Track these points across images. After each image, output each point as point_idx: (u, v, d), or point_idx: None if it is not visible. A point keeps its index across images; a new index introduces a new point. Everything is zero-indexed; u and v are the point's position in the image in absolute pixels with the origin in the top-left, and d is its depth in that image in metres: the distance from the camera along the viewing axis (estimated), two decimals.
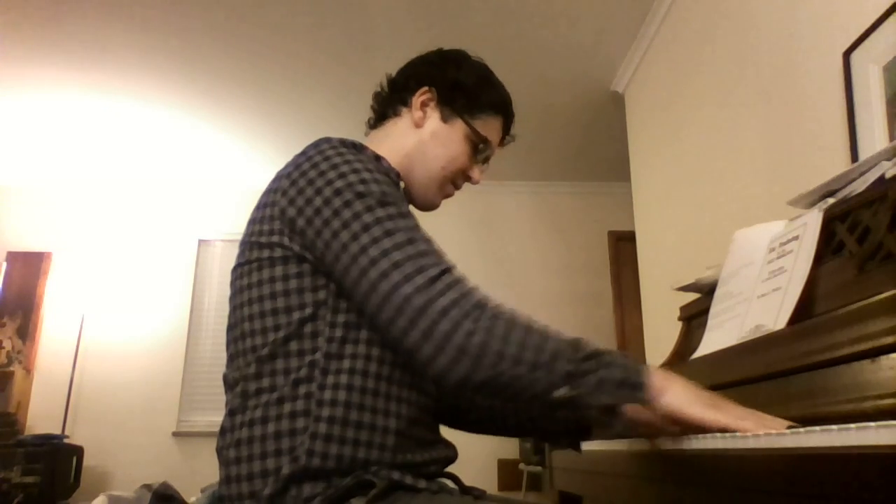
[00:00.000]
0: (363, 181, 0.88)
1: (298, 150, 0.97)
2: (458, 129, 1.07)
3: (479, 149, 1.09)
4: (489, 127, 1.10)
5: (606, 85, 3.74)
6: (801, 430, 0.61)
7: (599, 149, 4.45)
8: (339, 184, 0.87)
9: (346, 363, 0.87)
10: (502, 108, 1.12)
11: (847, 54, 1.69)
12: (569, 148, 4.50)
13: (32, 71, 3.61)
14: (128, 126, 4.20)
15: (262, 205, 0.94)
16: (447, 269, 0.83)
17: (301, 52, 3.46)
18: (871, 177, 0.97)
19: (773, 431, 0.68)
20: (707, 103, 2.59)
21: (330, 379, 0.86)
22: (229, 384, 0.94)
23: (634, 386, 0.77)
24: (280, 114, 4.09)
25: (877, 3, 1.58)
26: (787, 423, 0.72)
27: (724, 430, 0.74)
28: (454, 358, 0.77)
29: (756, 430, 0.70)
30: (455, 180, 1.11)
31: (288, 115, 4.09)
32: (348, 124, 4.07)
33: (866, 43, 1.63)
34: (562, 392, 0.77)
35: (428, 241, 0.86)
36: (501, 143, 1.15)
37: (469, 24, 3.20)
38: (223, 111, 4.05)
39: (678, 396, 0.77)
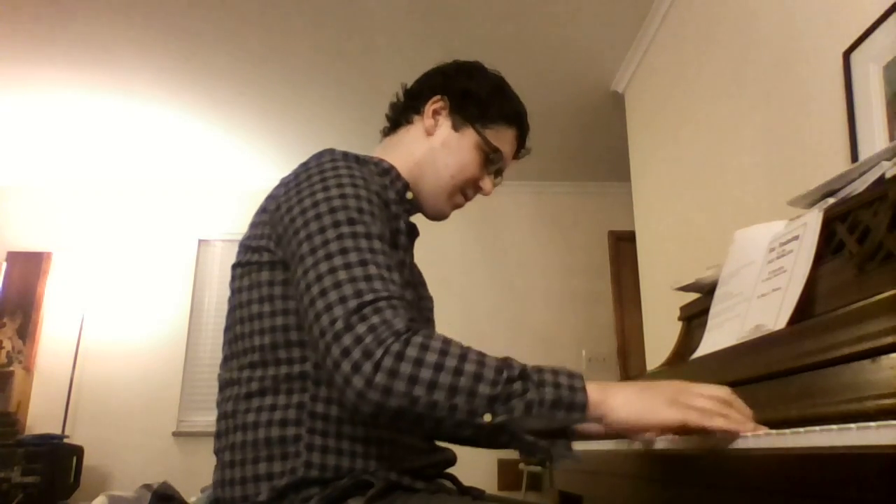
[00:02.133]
0: (343, 196, 0.87)
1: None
2: (468, 137, 1.07)
3: (490, 159, 1.09)
4: (501, 137, 1.09)
5: (606, 85, 3.74)
6: (801, 430, 0.61)
7: (599, 149, 4.45)
8: (319, 196, 0.87)
9: None
10: (515, 119, 1.11)
11: (847, 54, 1.69)
12: (569, 148, 4.50)
13: (32, 71, 3.61)
14: (128, 126, 4.20)
15: (262, 210, 0.97)
16: (386, 297, 0.78)
17: (301, 52, 3.46)
18: (871, 177, 0.97)
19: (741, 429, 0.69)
20: (707, 103, 2.58)
21: (322, 391, 0.87)
22: (221, 385, 0.95)
23: (570, 406, 0.74)
24: (280, 114, 4.08)
25: (877, 3, 1.58)
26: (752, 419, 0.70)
27: (687, 431, 0.71)
28: (361, 391, 0.72)
29: (725, 427, 0.69)
30: (465, 190, 1.11)
31: (288, 115, 4.09)
32: (348, 124, 4.08)
33: (866, 43, 1.63)
34: (486, 419, 0.73)
35: (386, 266, 0.82)
36: (516, 156, 1.15)
37: (469, 25, 3.20)
38: (223, 111, 4.05)
39: (627, 409, 0.74)
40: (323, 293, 0.79)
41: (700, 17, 2.67)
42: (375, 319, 0.75)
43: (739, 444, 0.70)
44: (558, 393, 0.74)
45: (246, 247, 0.95)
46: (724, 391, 0.74)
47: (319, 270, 0.81)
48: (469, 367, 0.74)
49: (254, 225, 0.96)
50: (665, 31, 3.04)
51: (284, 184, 0.94)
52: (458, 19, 3.17)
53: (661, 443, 0.90)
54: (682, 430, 0.73)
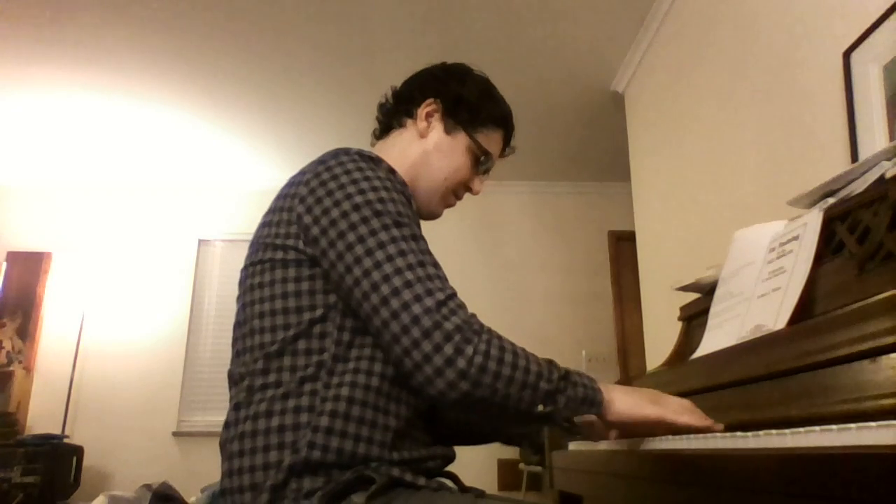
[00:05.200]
0: (381, 200, 0.92)
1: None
2: (460, 141, 1.12)
3: (480, 161, 1.14)
4: (490, 140, 1.14)
5: (606, 85, 3.74)
6: (801, 430, 0.61)
7: (599, 149, 4.45)
8: (358, 199, 0.91)
9: (352, 364, 0.90)
10: (503, 122, 1.16)
11: (847, 54, 1.69)
12: (569, 148, 4.50)
13: (32, 71, 3.61)
14: (128, 126, 4.20)
15: (277, 209, 0.97)
16: (453, 295, 0.87)
17: (301, 52, 3.46)
18: (871, 177, 0.97)
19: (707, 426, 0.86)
20: (707, 103, 2.59)
21: (335, 379, 0.89)
22: (234, 379, 0.96)
23: (593, 402, 0.90)
24: (280, 114, 4.08)
25: (877, 3, 1.58)
26: (720, 425, 0.87)
27: (660, 422, 0.89)
28: (452, 381, 0.82)
29: (692, 423, 0.87)
30: (456, 191, 1.15)
31: (288, 115, 4.09)
32: (348, 124, 4.08)
33: (866, 43, 1.63)
34: (540, 409, 0.87)
35: (436, 265, 0.91)
36: (502, 154, 1.20)
37: (469, 25, 3.20)
38: (223, 111, 4.05)
39: (624, 403, 0.91)
40: (396, 293, 0.85)
41: (700, 17, 2.67)
42: (457, 319, 0.85)
43: (740, 444, 0.70)
44: (586, 392, 0.89)
45: (265, 245, 0.95)
46: (686, 401, 0.92)
47: (385, 271, 0.86)
48: (534, 367, 0.87)
49: (269, 224, 0.97)
50: (665, 31, 3.04)
51: (304, 183, 0.95)
52: (459, 19, 3.17)
53: (662, 443, 0.90)
54: (658, 426, 0.90)
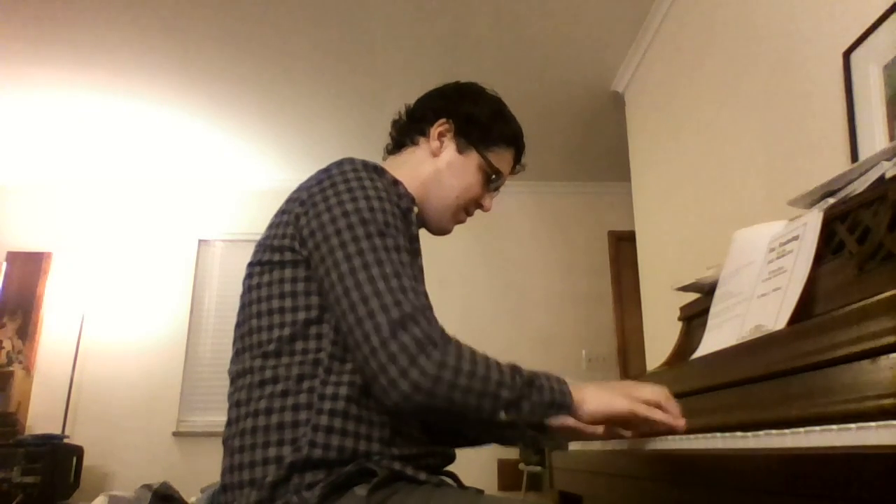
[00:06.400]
0: (371, 209, 0.93)
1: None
2: (472, 160, 1.14)
3: (491, 179, 1.16)
4: (501, 159, 1.16)
5: (606, 85, 3.74)
6: (801, 430, 0.61)
7: (599, 149, 4.45)
8: (348, 206, 0.93)
9: (349, 365, 0.92)
10: (514, 141, 1.18)
11: (847, 54, 1.69)
12: (569, 148, 4.50)
13: (32, 71, 3.61)
14: (128, 126, 4.20)
15: (282, 212, 1.01)
16: (423, 308, 0.87)
17: (301, 52, 3.46)
18: (871, 177, 0.97)
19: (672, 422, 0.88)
20: (707, 103, 2.58)
21: (333, 377, 0.91)
22: (233, 378, 0.98)
23: (561, 406, 0.89)
24: (280, 114, 4.08)
25: (877, 3, 1.58)
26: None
27: (633, 416, 0.89)
28: (406, 393, 0.82)
29: (664, 421, 0.88)
30: (468, 208, 1.18)
31: (288, 114, 4.09)
32: (348, 124, 4.09)
33: (866, 43, 1.63)
34: (503, 416, 0.86)
35: (415, 278, 0.92)
36: (512, 171, 1.22)
37: (469, 25, 3.20)
38: (223, 111, 4.05)
39: (595, 401, 0.90)
40: (364, 300, 0.86)
41: (700, 17, 2.67)
42: (417, 331, 0.84)
43: (740, 444, 0.70)
44: (553, 395, 0.88)
45: (266, 246, 0.99)
46: (663, 389, 0.92)
47: (357, 278, 0.87)
48: (494, 375, 0.86)
49: (274, 226, 1.00)
50: (665, 31, 3.04)
51: (306, 188, 0.99)
52: (459, 20, 3.17)
53: (662, 443, 0.90)
54: (631, 420, 0.90)
